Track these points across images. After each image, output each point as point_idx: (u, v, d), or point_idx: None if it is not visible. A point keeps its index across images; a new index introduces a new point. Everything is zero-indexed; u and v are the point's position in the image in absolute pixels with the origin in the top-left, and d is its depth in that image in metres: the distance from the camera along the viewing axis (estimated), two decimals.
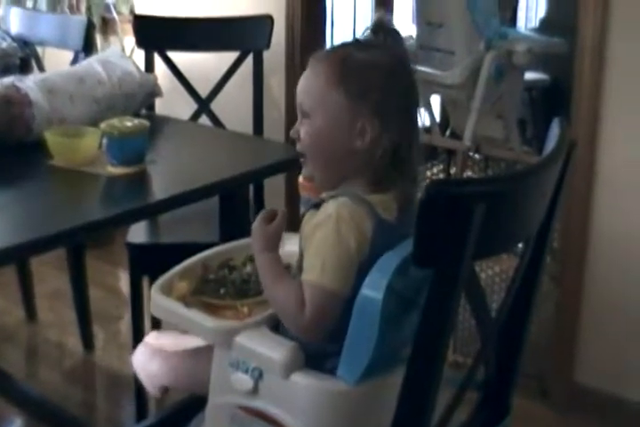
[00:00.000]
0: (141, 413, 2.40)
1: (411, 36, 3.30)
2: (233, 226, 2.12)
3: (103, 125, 1.91)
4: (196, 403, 1.58)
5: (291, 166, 2.04)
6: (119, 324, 3.05)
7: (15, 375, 2.56)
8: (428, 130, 3.45)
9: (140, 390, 2.22)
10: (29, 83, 2.09)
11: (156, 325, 2.32)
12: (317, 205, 1.38)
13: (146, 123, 1.95)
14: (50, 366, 2.81)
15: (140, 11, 3.32)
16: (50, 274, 3.22)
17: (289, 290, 1.34)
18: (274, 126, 2.84)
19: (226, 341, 1.41)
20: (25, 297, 3.04)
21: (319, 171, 1.42)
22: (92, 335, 2.87)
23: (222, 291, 1.55)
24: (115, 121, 1.93)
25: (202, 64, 2.97)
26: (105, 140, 1.91)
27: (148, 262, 2.38)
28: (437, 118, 3.73)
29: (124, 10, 3.49)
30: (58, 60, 2.86)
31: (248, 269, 1.60)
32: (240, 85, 2.80)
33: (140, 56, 2.80)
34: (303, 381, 1.35)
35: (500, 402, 1.47)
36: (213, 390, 1.47)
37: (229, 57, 2.77)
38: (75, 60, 2.65)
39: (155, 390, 1.66)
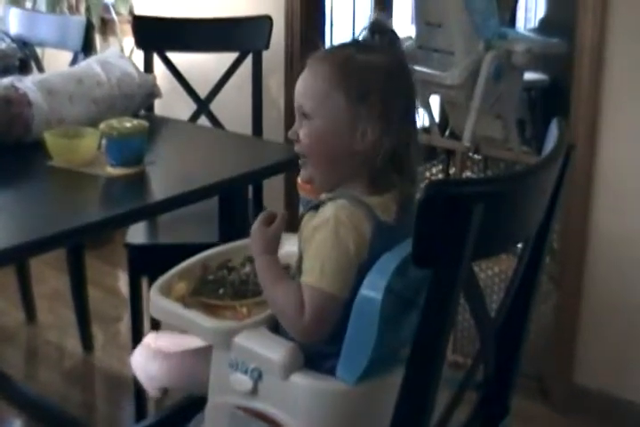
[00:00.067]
0: (141, 413, 2.40)
1: (410, 37, 3.29)
2: (232, 227, 2.12)
3: (102, 126, 1.91)
4: (195, 403, 1.58)
5: (290, 167, 2.03)
6: (118, 324, 3.05)
7: (15, 376, 2.57)
8: (427, 130, 3.44)
9: (139, 390, 2.22)
10: (28, 83, 2.09)
11: (156, 325, 2.31)
12: (316, 207, 1.38)
13: (145, 123, 1.95)
14: (49, 367, 2.81)
15: (139, 11, 3.33)
16: (49, 275, 3.22)
17: (288, 292, 1.34)
18: (273, 127, 2.84)
19: (225, 341, 1.41)
20: (24, 298, 3.04)
21: (318, 172, 1.42)
22: (91, 336, 2.87)
23: (221, 291, 1.55)
24: (114, 122, 1.93)
25: (201, 65, 2.97)
26: (104, 141, 1.91)
27: (148, 263, 2.38)
28: (436, 119, 3.72)
29: (124, 10, 3.48)
30: (57, 61, 2.86)
31: (247, 269, 1.60)
32: (239, 86, 2.80)
33: (139, 57, 2.79)
34: (302, 381, 1.35)
35: (499, 402, 1.47)
36: (212, 391, 1.47)
37: (228, 57, 2.76)
38: (74, 61, 2.65)
39: (154, 391, 1.66)
